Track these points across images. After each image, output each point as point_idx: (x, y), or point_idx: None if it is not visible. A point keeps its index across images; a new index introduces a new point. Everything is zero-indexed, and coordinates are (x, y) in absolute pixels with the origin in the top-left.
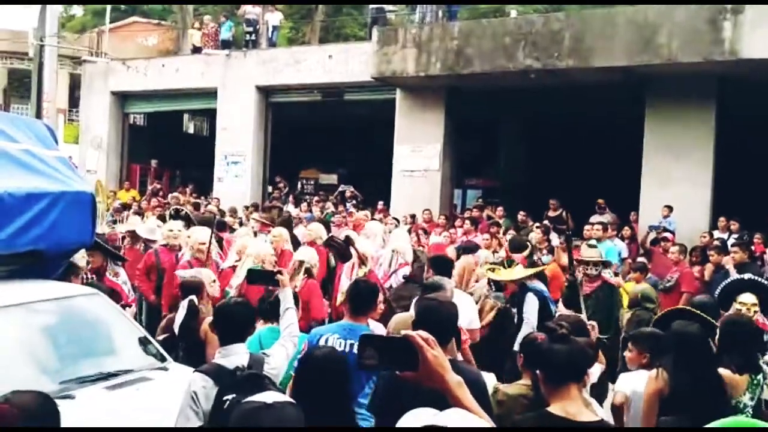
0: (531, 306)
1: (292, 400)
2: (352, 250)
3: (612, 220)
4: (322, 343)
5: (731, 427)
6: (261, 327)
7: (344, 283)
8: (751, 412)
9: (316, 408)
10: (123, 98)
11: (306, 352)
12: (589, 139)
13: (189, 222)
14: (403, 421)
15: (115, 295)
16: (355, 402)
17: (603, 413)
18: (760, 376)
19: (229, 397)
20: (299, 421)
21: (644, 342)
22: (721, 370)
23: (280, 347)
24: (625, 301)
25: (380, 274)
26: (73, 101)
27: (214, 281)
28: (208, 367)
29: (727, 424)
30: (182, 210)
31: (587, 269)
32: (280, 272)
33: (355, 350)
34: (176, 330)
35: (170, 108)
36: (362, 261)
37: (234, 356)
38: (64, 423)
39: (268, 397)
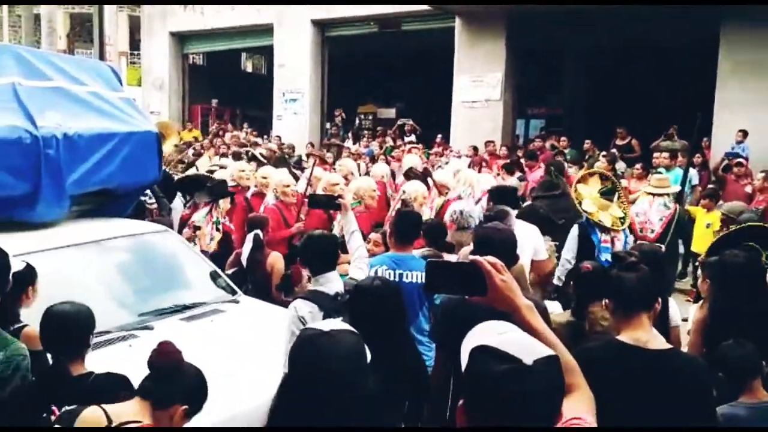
0: (571, 238)
1: (351, 328)
2: (429, 180)
3: (683, 147)
4: (371, 274)
5: None
6: None
7: (425, 213)
8: None
9: (375, 338)
10: (181, 39)
11: (358, 284)
12: (658, 62)
13: (258, 163)
14: (471, 334)
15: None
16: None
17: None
18: None
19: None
20: (357, 347)
21: (708, 270)
22: None
23: (358, 270)
24: (697, 229)
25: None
26: (134, 44)
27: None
28: (309, 294)
29: None
30: (249, 151)
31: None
32: (340, 196)
33: (404, 279)
34: (244, 263)
35: (228, 47)
36: (440, 191)
37: (330, 283)
38: (147, 352)
39: (327, 324)
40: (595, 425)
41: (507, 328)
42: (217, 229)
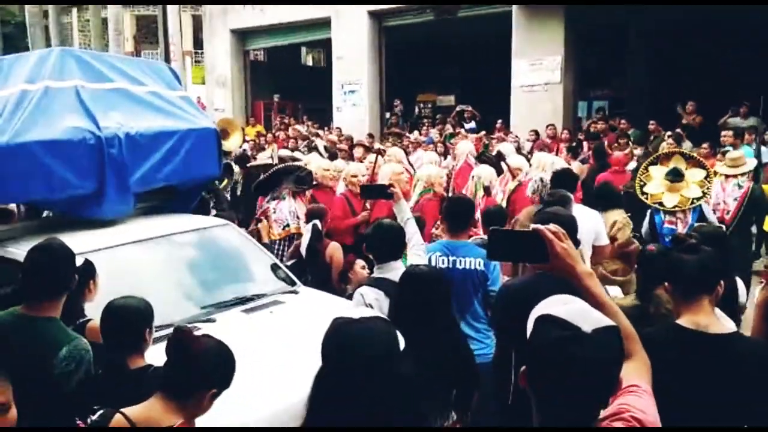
0: (646, 221)
1: (382, 315)
2: (503, 164)
3: (749, 126)
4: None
5: None
6: None
7: (498, 197)
8: None
9: (418, 325)
10: (242, 35)
11: (405, 271)
12: (721, 39)
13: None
14: (538, 307)
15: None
16: (464, 319)
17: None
18: None
19: None
20: (389, 333)
21: None
22: None
23: (417, 257)
24: None
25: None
26: (198, 43)
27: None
28: (374, 281)
29: None
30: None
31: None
32: (392, 185)
33: (458, 266)
34: (303, 253)
35: (287, 41)
36: (513, 174)
37: (395, 271)
38: None
39: (357, 312)
40: (650, 392)
41: (572, 300)
42: (297, 217)
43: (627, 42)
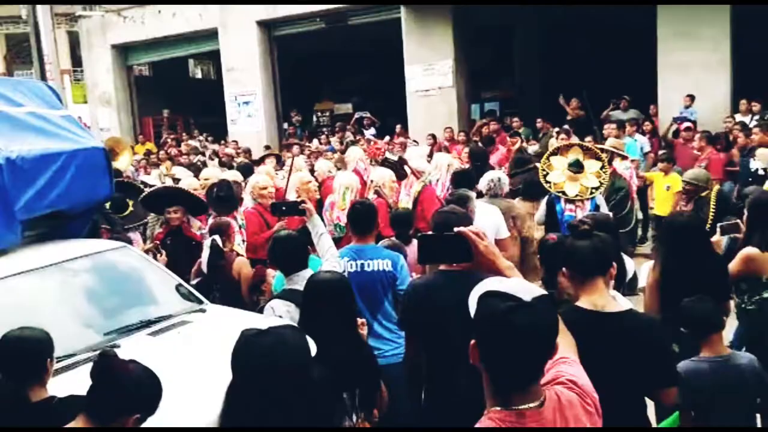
0: (540, 209)
1: (291, 324)
2: (406, 168)
3: (636, 116)
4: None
5: None
6: None
7: (403, 200)
8: None
9: (324, 328)
10: (124, 50)
11: (308, 279)
12: (603, 36)
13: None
14: (476, 289)
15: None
16: (375, 319)
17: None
18: None
19: None
20: (299, 340)
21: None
22: (748, 249)
23: (332, 267)
24: (657, 193)
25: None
26: (76, 60)
27: None
28: (284, 293)
29: None
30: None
31: None
32: (303, 202)
33: (366, 268)
34: (204, 269)
35: (173, 55)
36: (417, 177)
37: (304, 281)
38: None
39: (265, 323)
40: (578, 362)
41: (504, 279)
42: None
43: (514, 42)
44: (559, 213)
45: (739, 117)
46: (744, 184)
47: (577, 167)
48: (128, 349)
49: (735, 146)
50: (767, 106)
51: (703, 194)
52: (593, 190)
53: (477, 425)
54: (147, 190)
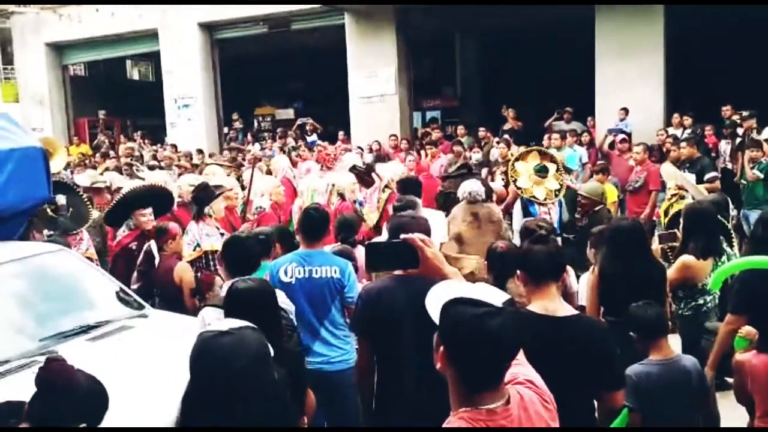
0: (516, 212)
1: (251, 325)
2: (374, 175)
3: (576, 128)
4: (281, 272)
5: None
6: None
7: (371, 205)
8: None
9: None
10: (59, 49)
11: (230, 286)
12: (544, 48)
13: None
14: (432, 296)
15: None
16: (323, 325)
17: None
18: (724, 258)
19: None
20: (259, 343)
21: (596, 237)
22: (685, 257)
23: None
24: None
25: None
26: (7, 58)
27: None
28: (217, 302)
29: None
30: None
31: None
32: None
33: (314, 275)
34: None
35: (111, 55)
36: (387, 185)
37: None
38: None
39: (226, 324)
40: (528, 365)
41: (460, 285)
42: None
43: (456, 52)
44: (534, 214)
45: (671, 130)
46: None
47: (543, 172)
48: (66, 356)
49: (668, 158)
50: (699, 119)
51: (598, 209)
52: (557, 192)
53: (446, 425)
54: (80, 191)
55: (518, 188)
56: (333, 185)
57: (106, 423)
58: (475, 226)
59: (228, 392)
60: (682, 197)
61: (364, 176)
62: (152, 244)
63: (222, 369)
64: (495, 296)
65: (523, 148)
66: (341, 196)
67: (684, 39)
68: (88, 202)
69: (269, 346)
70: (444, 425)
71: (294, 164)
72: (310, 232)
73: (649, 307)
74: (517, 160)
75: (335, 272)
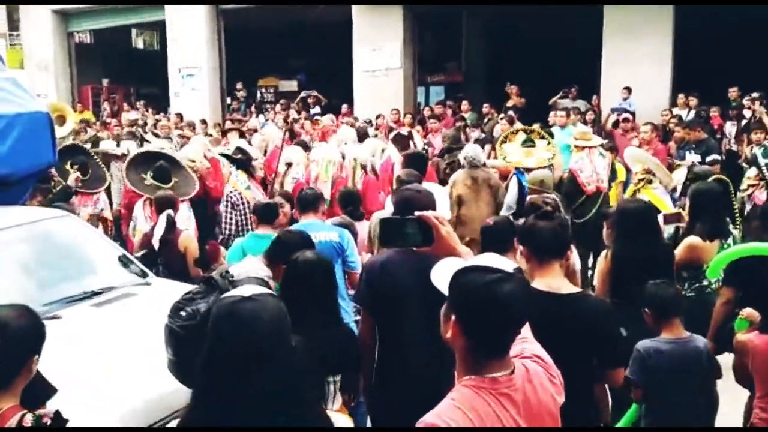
0: (512, 185)
1: (272, 293)
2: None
3: (580, 106)
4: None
5: None
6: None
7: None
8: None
9: (304, 311)
10: (65, 16)
11: (290, 259)
12: (550, 25)
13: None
14: (438, 270)
15: None
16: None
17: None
18: (730, 240)
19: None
20: (280, 311)
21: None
22: (691, 238)
23: None
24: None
25: None
26: (13, 24)
27: None
28: (222, 270)
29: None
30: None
31: None
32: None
33: (314, 240)
34: (156, 244)
35: (116, 23)
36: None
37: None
38: (54, 343)
39: (247, 290)
40: (536, 342)
41: (480, 256)
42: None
43: (462, 28)
44: (525, 187)
45: (676, 111)
46: None
47: (529, 142)
48: (70, 320)
49: (672, 139)
50: (705, 100)
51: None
52: (549, 159)
53: (451, 394)
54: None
55: (509, 163)
56: (355, 159)
57: (113, 387)
58: (473, 189)
59: (248, 358)
60: (650, 181)
61: (406, 144)
62: (171, 213)
63: (244, 335)
64: (506, 264)
65: (501, 131)
66: (364, 168)
67: (692, 20)
68: (103, 166)
69: (286, 316)
70: (449, 395)
71: (297, 135)
72: (304, 206)
73: (668, 286)
74: (503, 142)
75: (334, 236)
